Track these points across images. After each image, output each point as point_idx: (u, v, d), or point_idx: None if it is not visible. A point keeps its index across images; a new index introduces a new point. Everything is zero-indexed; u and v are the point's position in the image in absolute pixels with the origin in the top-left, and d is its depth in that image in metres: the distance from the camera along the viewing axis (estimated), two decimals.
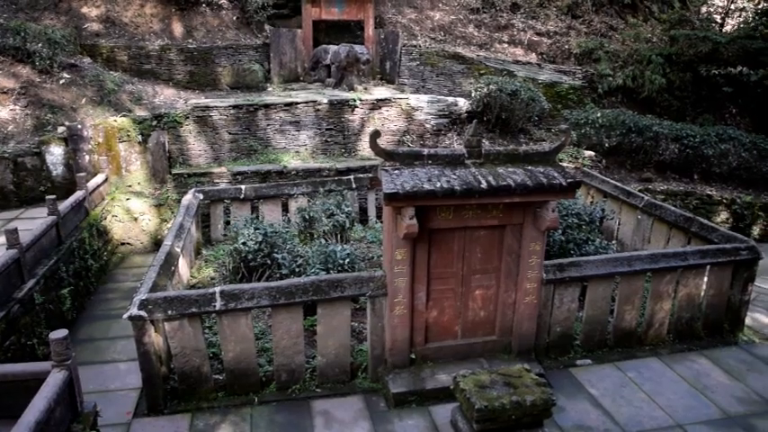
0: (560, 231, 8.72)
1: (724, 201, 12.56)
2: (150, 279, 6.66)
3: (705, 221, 8.66)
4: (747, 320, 8.98)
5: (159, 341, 6.43)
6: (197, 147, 11.04)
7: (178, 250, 7.87)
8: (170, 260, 7.43)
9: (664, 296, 7.61)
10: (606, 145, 12.65)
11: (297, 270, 7.60)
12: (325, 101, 11.60)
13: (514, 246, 6.76)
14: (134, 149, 10.64)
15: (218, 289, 6.26)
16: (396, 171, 6.17)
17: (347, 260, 7.57)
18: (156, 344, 6.31)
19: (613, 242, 8.94)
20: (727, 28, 15.34)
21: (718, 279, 7.83)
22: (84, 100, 10.72)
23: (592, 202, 11.05)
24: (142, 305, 6.05)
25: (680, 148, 12.66)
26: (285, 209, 10.44)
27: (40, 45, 10.70)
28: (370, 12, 13.54)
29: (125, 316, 6.03)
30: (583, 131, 12.58)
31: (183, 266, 8.54)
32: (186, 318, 6.21)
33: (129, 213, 10.49)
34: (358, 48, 12.35)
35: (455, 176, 6.10)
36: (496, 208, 6.52)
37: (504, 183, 6.03)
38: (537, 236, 6.63)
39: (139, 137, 10.60)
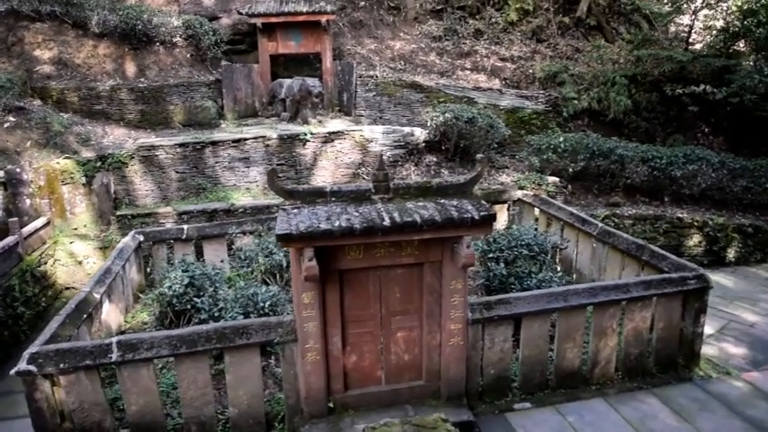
0: (503, 264, 8.32)
1: (695, 223, 12.08)
2: (50, 330, 6.34)
3: (656, 249, 8.20)
4: (713, 351, 8.53)
5: (62, 395, 6.09)
6: (143, 187, 10.82)
7: (97, 296, 7.53)
8: (83, 308, 7.10)
9: (608, 331, 7.13)
10: (570, 170, 12.28)
11: (216, 315, 7.24)
12: (275, 136, 11.37)
13: (435, 284, 6.37)
14: (78, 192, 10.43)
15: (114, 339, 5.91)
16: (294, 210, 5.86)
17: (268, 303, 7.19)
18: (56, 398, 5.99)
19: (558, 273, 8.49)
20: (698, 47, 15.04)
21: (667, 311, 7.36)
22: (29, 143, 10.58)
23: (545, 231, 10.64)
24: (32, 359, 5.72)
25: (647, 170, 12.25)
26: (232, 248, 10.13)
27: None
28: (327, 44, 13.40)
29: (12, 372, 5.70)
30: (545, 157, 12.24)
31: (110, 313, 8.22)
32: (82, 371, 5.86)
33: (73, 257, 10.22)
34: (310, 81, 12.16)
35: (357, 214, 5.75)
36: (411, 245, 6.15)
37: (410, 219, 5.66)
38: (457, 273, 6.23)
39: (83, 179, 10.40)
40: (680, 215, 12.17)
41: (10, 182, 9.74)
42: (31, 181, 9.92)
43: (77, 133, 11.12)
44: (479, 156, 6.24)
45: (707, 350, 8.64)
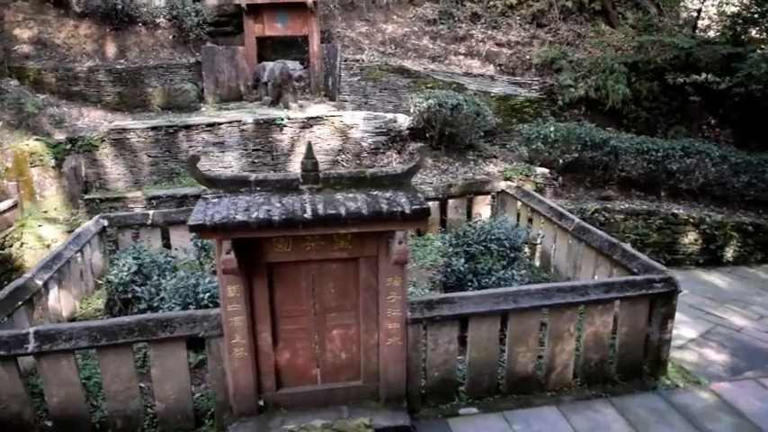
0: (463, 260, 7.90)
1: (691, 220, 11.42)
2: None
3: (628, 248, 7.70)
4: (692, 357, 8.07)
5: None
6: (115, 171, 10.65)
7: (39, 282, 7.35)
8: (19, 294, 6.93)
9: (564, 336, 6.69)
10: (561, 161, 11.71)
11: (155, 305, 7.01)
12: (251, 120, 11.06)
13: (371, 281, 6.01)
14: (48, 174, 10.30)
15: (31, 329, 5.71)
16: (215, 199, 5.55)
17: (208, 295, 6.92)
18: None
19: (522, 271, 7.97)
20: (711, 34, 14.20)
21: (631, 315, 6.87)
22: (0, 123, 10.47)
23: (528, 225, 10.17)
24: None
25: (643, 163, 11.62)
26: None
27: None
28: (314, 26, 13.00)
29: None
30: (534, 147, 11.69)
31: (62, 299, 8.07)
32: None
33: (41, 240, 10.11)
34: (290, 64, 11.80)
35: (279, 205, 5.41)
36: (344, 239, 5.81)
37: (333, 211, 5.31)
38: (394, 270, 5.87)
39: (53, 161, 10.27)
40: (675, 211, 11.53)
41: None
42: None
43: (51, 115, 10.98)
44: (419, 145, 5.87)
45: (686, 356, 8.17)
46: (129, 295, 7.35)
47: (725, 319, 9.37)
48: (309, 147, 5.69)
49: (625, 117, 13.07)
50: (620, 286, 6.71)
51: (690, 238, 11.50)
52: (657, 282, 6.78)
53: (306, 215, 5.28)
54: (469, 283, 7.47)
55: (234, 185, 5.68)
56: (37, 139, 10.32)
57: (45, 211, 10.39)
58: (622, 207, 11.49)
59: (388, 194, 5.64)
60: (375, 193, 5.67)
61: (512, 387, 6.74)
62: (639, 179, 11.97)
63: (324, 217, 5.29)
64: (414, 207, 5.41)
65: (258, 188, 5.69)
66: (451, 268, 7.72)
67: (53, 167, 10.30)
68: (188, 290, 7.00)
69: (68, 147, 10.37)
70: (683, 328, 9.14)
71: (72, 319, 8.19)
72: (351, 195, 5.61)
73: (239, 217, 5.22)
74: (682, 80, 11.90)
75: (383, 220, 5.41)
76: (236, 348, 5.90)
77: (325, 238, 5.74)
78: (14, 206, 9.94)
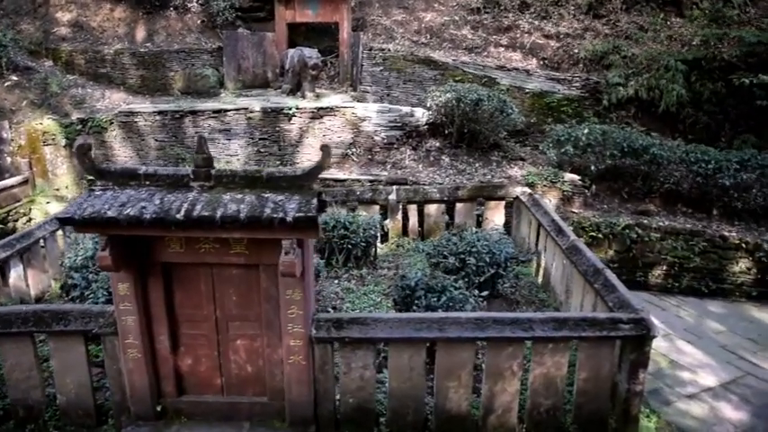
0: (420, 274, 7.09)
1: (744, 245, 9.72)
2: None
3: (610, 278, 6.53)
4: (699, 410, 7.11)
5: None
6: (123, 153, 10.77)
7: None
8: None
9: (506, 375, 5.74)
10: (594, 168, 10.39)
11: (86, 294, 6.86)
12: (258, 108, 10.75)
13: (272, 291, 5.45)
14: (60, 153, 10.61)
15: None
16: (99, 192, 5.20)
17: None
18: None
19: (485, 293, 7.01)
20: None
21: (592, 359, 5.77)
22: (24, 102, 10.92)
23: (536, 238, 9.10)
24: None
25: (691, 175, 10.04)
26: None
27: None
28: (344, 13, 12.45)
29: None
30: (563, 150, 10.46)
31: (29, 278, 8.17)
32: None
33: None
34: (307, 51, 11.33)
35: (158, 202, 4.96)
36: (239, 243, 5.29)
37: (207, 213, 4.79)
38: (293, 283, 5.26)
39: (64, 140, 10.54)
40: (726, 233, 9.86)
41: None
42: (11, 140, 10.20)
43: (72, 95, 11.32)
44: (323, 144, 5.16)
45: (692, 408, 7.00)
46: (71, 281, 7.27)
47: (761, 369, 7.91)
48: (201, 141, 5.17)
49: (681, 122, 11.38)
50: (574, 324, 5.65)
51: (741, 266, 9.82)
52: (625, 322, 5.64)
53: (178, 216, 4.80)
54: (417, 302, 6.66)
55: (123, 178, 5.29)
56: (50, 119, 10.64)
57: (57, 189, 10.72)
58: (661, 224, 9.99)
59: (279, 198, 5.02)
60: (267, 195, 5.08)
61: (441, 425, 5.90)
62: (689, 194, 10.38)
63: (196, 219, 4.79)
64: (297, 215, 4.76)
65: (147, 182, 5.26)
66: (405, 282, 6.94)
67: (64, 147, 10.58)
68: None
69: (80, 127, 10.62)
70: (703, 374, 7.85)
71: (39, 299, 8.30)
72: (239, 197, 5.05)
73: (110, 213, 4.83)
74: (747, 81, 10.09)
75: (263, 227, 4.82)
76: (130, 349, 5.57)
77: (219, 241, 5.26)
78: (25, 182, 10.31)
